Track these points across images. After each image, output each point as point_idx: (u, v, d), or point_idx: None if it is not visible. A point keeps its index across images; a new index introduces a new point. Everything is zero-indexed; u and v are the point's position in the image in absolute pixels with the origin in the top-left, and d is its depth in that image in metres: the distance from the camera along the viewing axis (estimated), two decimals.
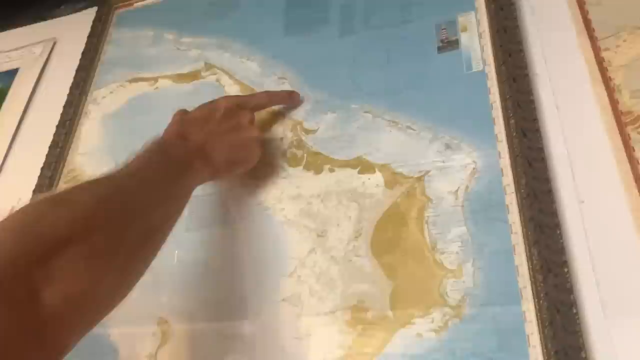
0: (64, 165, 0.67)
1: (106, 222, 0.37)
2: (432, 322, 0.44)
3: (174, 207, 0.45)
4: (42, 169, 0.67)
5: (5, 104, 0.79)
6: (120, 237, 0.38)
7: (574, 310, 0.40)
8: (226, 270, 0.53)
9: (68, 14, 0.86)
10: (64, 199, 0.38)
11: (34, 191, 0.65)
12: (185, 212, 0.56)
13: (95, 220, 0.37)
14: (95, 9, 0.81)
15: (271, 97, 0.59)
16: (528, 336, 0.41)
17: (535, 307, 0.41)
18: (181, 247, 0.56)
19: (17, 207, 0.66)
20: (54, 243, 0.33)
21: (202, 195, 0.57)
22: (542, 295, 0.41)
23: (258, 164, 0.57)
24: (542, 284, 0.41)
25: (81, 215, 0.36)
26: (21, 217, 0.35)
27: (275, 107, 0.60)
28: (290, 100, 0.59)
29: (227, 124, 0.52)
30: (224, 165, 0.51)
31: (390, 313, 0.46)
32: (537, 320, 0.41)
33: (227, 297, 0.52)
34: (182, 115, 0.52)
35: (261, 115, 0.59)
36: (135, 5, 0.79)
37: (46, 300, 0.32)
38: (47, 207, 0.36)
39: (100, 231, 0.36)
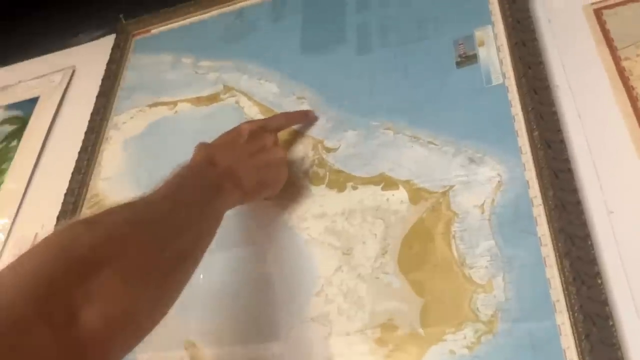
0: (87, 191, 0.67)
1: (141, 242, 0.38)
2: (465, 338, 0.43)
3: (206, 229, 0.45)
4: (65, 195, 0.67)
5: (26, 132, 0.80)
6: (156, 257, 0.38)
7: (611, 322, 0.39)
8: (253, 291, 0.53)
9: (86, 42, 0.88)
10: (98, 221, 0.38)
11: (58, 217, 0.66)
12: None
13: (130, 241, 0.37)
14: (113, 36, 0.83)
15: (289, 117, 0.60)
16: (564, 350, 0.40)
17: (570, 320, 0.41)
18: (206, 269, 0.55)
19: (41, 234, 0.67)
20: (91, 264, 0.34)
21: (225, 216, 0.57)
22: (576, 308, 0.41)
23: None
24: (575, 297, 0.41)
25: (117, 237, 0.37)
26: (57, 239, 0.36)
27: (295, 127, 0.61)
28: (307, 118, 0.60)
29: (252, 147, 0.52)
30: (254, 187, 0.51)
31: (420, 330, 0.45)
32: (573, 333, 0.40)
33: (255, 318, 0.51)
34: (206, 145, 0.52)
35: (282, 135, 0.60)
36: (152, 31, 0.80)
37: (86, 321, 0.32)
38: (82, 229, 0.37)
39: (136, 251, 0.37)
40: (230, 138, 0.53)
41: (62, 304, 0.31)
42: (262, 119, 0.59)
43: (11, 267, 0.33)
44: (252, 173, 0.51)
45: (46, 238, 0.35)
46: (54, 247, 0.34)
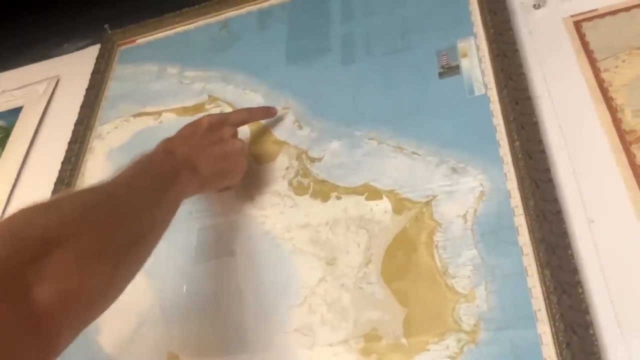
0: None
1: (95, 224, 0.39)
2: (447, 348, 0.44)
3: (161, 216, 0.46)
4: None
5: (9, 141, 0.79)
6: (109, 239, 0.39)
7: (591, 331, 0.39)
8: (236, 301, 0.52)
9: (71, 52, 0.87)
10: (52, 205, 0.40)
11: None
12: (193, 243, 0.57)
13: (84, 222, 0.38)
14: (98, 46, 0.82)
15: (251, 112, 0.61)
16: (545, 359, 0.40)
17: (551, 329, 0.41)
18: (190, 280, 0.55)
19: None
20: (44, 244, 0.35)
21: (209, 226, 0.57)
22: (557, 317, 0.41)
23: (265, 194, 0.57)
24: (557, 306, 0.41)
25: (70, 219, 0.38)
26: (9, 223, 0.37)
27: (280, 137, 0.61)
28: (268, 114, 0.62)
29: (211, 138, 0.54)
30: (211, 176, 0.52)
31: (404, 340, 0.45)
32: (554, 342, 0.41)
33: (238, 329, 0.51)
34: (167, 138, 0.54)
35: (267, 145, 0.60)
36: (138, 41, 0.80)
37: (39, 297, 0.33)
38: (35, 212, 0.38)
39: (90, 233, 0.38)
40: (190, 130, 0.54)
41: (16, 281, 0.33)
42: (224, 113, 0.60)
43: None
44: (209, 162, 0.52)
45: (1, 221, 0.36)
46: (7, 230, 0.36)
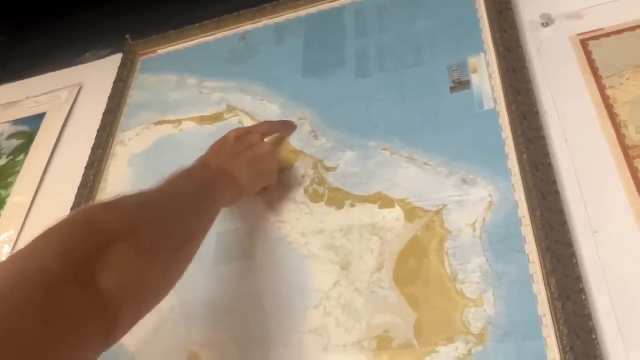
0: None
1: (149, 224, 0.43)
2: (457, 350, 0.46)
3: (204, 221, 0.49)
4: (72, 208, 0.69)
5: (33, 146, 0.82)
6: (162, 237, 0.43)
7: (594, 336, 0.42)
8: (253, 303, 0.55)
9: (93, 61, 0.90)
10: (112, 204, 0.43)
11: None
12: (213, 246, 0.59)
13: (142, 220, 0.42)
14: (119, 55, 0.85)
15: (272, 125, 0.65)
16: None
17: (555, 333, 0.43)
18: (209, 281, 0.58)
19: None
20: (107, 236, 0.38)
21: (228, 230, 0.60)
22: (562, 322, 0.43)
23: (282, 201, 0.59)
24: (561, 311, 0.43)
25: (128, 216, 0.42)
26: (75, 217, 0.40)
27: (297, 146, 0.64)
28: (289, 128, 0.65)
29: (240, 146, 0.57)
30: (248, 181, 0.55)
31: (415, 342, 0.47)
32: (559, 346, 0.43)
33: (255, 329, 0.53)
34: (201, 156, 0.57)
35: (284, 154, 0.63)
36: (159, 52, 0.83)
37: (105, 284, 0.36)
38: (98, 209, 0.42)
39: (147, 229, 0.42)
40: (220, 144, 0.58)
41: (85, 267, 0.36)
42: (248, 126, 0.64)
43: (42, 237, 0.38)
44: (244, 168, 0.55)
45: (67, 216, 0.39)
46: (73, 223, 0.39)
